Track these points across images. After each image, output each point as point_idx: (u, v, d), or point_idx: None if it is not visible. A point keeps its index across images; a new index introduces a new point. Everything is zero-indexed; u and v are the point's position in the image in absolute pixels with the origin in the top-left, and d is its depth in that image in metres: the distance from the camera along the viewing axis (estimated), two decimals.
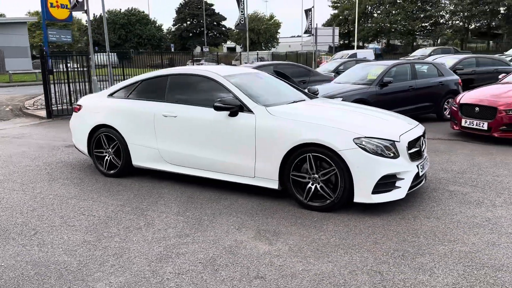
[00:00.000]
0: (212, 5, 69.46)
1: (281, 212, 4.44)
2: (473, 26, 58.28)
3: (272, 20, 65.81)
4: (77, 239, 3.90)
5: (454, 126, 8.24)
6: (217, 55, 21.33)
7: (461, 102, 8.08)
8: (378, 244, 3.66)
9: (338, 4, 62.82)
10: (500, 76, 9.33)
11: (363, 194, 4.20)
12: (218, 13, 72.65)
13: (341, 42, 58.04)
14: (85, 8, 12.58)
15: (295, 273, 3.20)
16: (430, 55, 26.59)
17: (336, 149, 4.20)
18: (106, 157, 5.89)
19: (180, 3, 72.15)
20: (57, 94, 12.30)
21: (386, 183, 4.23)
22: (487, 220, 4.11)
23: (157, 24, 73.17)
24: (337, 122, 4.47)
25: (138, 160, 5.62)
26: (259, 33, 62.05)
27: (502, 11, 53.75)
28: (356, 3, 38.34)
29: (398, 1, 56.78)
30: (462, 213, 4.31)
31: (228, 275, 3.19)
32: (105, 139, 5.85)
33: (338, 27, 33.63)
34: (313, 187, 4.43)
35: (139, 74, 6.81)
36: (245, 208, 4.59)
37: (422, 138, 4.76)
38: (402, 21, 56.03)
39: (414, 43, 59.19)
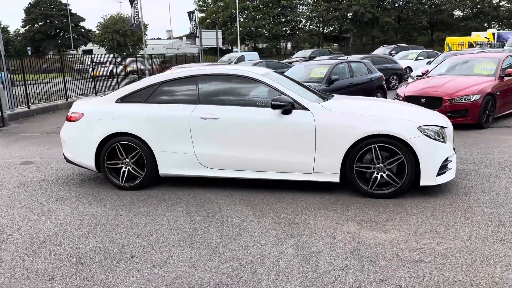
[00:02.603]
0: (67, 4, 64.20)
1: (353, 203, 4.61)
2: (327, 30, 64.45)
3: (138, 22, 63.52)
4: (190, 254, 3.56)
5: None
6: (121, 57, 19.96)
7: (406, 94, 9.13)
8: (469, 219, 4.10)
9: (204, 8, 63.57)
10: (423, 71, 10.77)
11: (429, 177, 4.62)
12: (76, 13, 67.64)
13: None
14: None
15: (442, 252, 3.45)
16: (310, 57, 28.81)
17: (404, 138, 4.55)
18: (123, 169, 5.32)
19: (30, 3, 65.29)
20: None
21: (443, 165, 4.72)
22: None
23: (1, 26, 65.05)
24: (395, 113, 4.84)
25: (167, 168, 5.21)
26: (126, 35, 59.40)
27: (350, 16, 60.49)
28: (236, 3, 39.35)
29: (261, 7, 59.83)
30: (495, 186, 5.01)
31: (388, 263, 3.30)
32: (121, 148, 5.28)
33: (220, 30, 34.22)
34: (378, 176, 4.71)
35: None
36: (315, 204, 4.65)
37: None
38: (267, 25, 59.21)
39: (278, 46, 63.02)
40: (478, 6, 57.67)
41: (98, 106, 5.45)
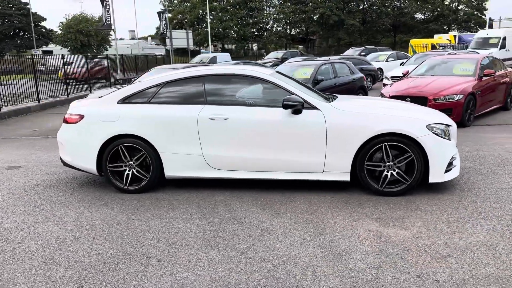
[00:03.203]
0: (27, 4, 61.83)
1: (366, 201, 4.66)
2: (293, 32, 65.05)
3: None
4: (218, 256, 3.49)
5: None
6: (86, 57, 19.23)
7: (391, 94, 9.32)
8: (482, 214, 4.22)
9: (171, 8, 62.81)
10: (403, 72, 11.04)
11: (438, 174, 4.73)
12: (36, 13, 65.30)
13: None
14: None
15: (467, 247, 3.54)
16: (282, 58, 28.99)
17: (414, 136, 4.64)
18: (127, 171, 5.17)
19: None
20: None
21: (449, 162, 4.85)
22: None
23: None
24: (402, 112, 4.93)
25: (173, 170, 5.11)
26: (90, 35, 57.82)
27: (316, 19, 61.26)
28: (207, 3, 39.02)
29: (228, 8, 59.74)
30: (496, 182, 5.19)
31: (419, 260, 3.35)
32: (125, 151, 5.13)
33: (191, 31, 33.88)
34: (389, 174, 4.78)
35: None
36: (327, 203, 4.67)
37: None
38: (234, 26, 59.17)
39: (246, 48, 63.03)
40: (438, 10, 59.72)
41: (99, 107, 5.27)
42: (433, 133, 4.70)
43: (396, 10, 60.38)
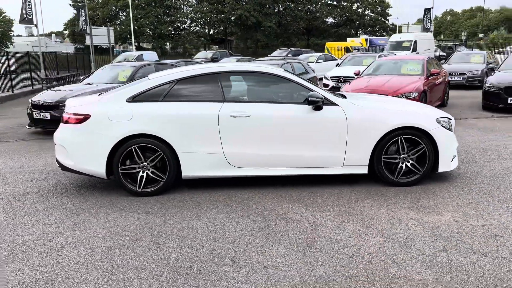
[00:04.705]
0: None
1: (387, 192, 4.90)
2: (212, 32, 64.97)
3: (2, 16, 56.76)
4: (289, 252, 3.48)
5: None
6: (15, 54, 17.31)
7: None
8: (495, 198, 4.66)
9: (79, 3, 59.25)
10: (355, 71, 11.64)
11: (446, 164, 5.12)
12: None
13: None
14: None
15: (505, 226, 3.90)
16: (212, 58, 28.89)
17: (427, 129, 4.98)
18: (141, 173, 4.89)
19: None
20: None
21: None
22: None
23: None
24: (411, 107, 5.26)
25: (191, 170, 4.93)
26: None
27: (233, 20, 61.80)
28: (129, 3, 37.37)
29: (143, 5, 57.98)
30: (483, 170, 5.73)
31: (474, 241, 3.63)
32: (139, 151, 4.84)
33: (112, 28, 32.31)
34: (403, 165, 5.08)
35: None
36: (352, 195, 4.83)
37: None
38: (150, 25, 57.57)
39: (162, 46, 61.64)
40: (347, 14, 63.58)
41: (107, 106, 4.91)
42: (442, 126, 5.08)
43: (309, 14, 63.09)
